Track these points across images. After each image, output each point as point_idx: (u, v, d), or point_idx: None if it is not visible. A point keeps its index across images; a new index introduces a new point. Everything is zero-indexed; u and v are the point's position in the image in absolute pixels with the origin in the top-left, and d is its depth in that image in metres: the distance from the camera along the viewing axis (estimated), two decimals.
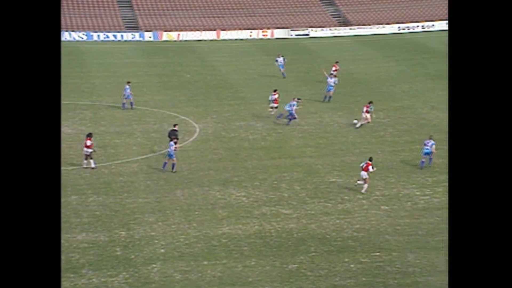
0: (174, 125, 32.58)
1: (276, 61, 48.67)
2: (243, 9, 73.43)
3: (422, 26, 71.80)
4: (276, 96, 38.47)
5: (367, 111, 35.56)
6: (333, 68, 46.80)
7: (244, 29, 69.43)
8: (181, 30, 68.13)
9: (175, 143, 29.72)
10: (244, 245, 22.60)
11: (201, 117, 38.57)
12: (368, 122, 35.79)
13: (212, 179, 28.84)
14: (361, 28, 71.87)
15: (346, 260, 21.38)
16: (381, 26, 72.01)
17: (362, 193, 26.73)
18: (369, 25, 72.32)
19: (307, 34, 69.96)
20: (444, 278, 19.88)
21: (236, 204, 26.11)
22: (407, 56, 57.55)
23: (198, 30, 68.49)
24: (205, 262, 21.36)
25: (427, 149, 29.67)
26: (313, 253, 21.95)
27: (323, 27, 71.53)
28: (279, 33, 69.09)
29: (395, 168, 29.79)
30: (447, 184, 27.22)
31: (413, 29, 71.55)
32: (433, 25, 71.71)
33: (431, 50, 60.00)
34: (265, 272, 20.79)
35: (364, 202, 26.06)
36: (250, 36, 68.53)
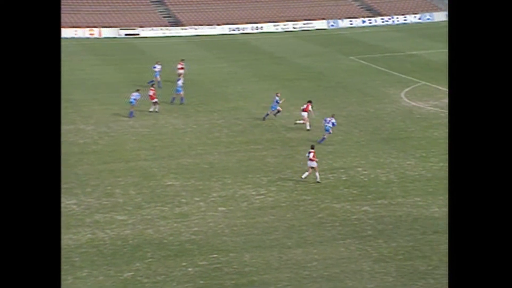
0: None
1: (154, 67, 46.56)
2: (66, 6, 70.55)
3: (252, 27, 74.16)
4: (152, 92, 38.63)
5: (306, 110, 35.59)
6: (179, 66, 46.64)
7: (69, 27, 66.84)
8: None
9: None
10: (75, 256, 21.71)
11: None
12: (303, 122, 35.73)
13: None
14: (192, 28, 72.53)
15: (184, 264, 21.38)
16: (212, 26, 73.22)
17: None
18: (200, 25, 73.21)
19: (137, 34, 69.11)
20: (278, 275, 20.65)
21: (66, 213, 25.00)
22: (239, 57, 59.03)
23: None
24: None
25: (328, 126, 33.09)
26: (150, 259, 21.67)
27: (154, 26, 71.11)
28: (107, 32, 67.49)
29: (231, 169, 30.38)
30: (280, 183, 28.47)
31: (243, 30, 73.65)
32: (261, 27, 74.38)
33: (262, 51, 62.12)
34: (98, 283, 20.14)
35: (202, 204, 26.27)
36: (76, 34, 66.17)
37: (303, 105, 36.16)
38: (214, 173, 29.72)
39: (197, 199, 26.79)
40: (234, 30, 73.49)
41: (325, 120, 33.49)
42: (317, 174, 28.16)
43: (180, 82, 41.98)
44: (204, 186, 28.14)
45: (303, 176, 28.19)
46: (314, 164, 28.08)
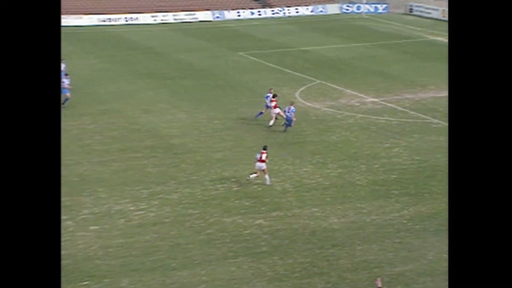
0: None
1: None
2: None
3: (125, 18, 73.27)
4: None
5: (276, 106, 36.95)
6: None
7: None
8: None
9: None
10: None
11: None
12: (277, 118, 37.17)
13: None
14: None
15: None
16: (78, 16, 71.61)
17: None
18: (64, 14, 71.34)
19: None
20: None
21: None
22: (111, 52, 58.22)
23: None
24: None
25: (289, 115, 36.16)
26: None
27: None
28: None
29: (106, 181, 29.83)
30: (163, 196, 28.25)
31: (116, 21, 72.60)
32: (137, 18, 73.69)
33: (137, 45, 61.58)
34: None
35: (70, 223, 25.57)
36: None
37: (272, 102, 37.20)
38: (85, 187, 29.04)
39: (64, 217, 26.03)
40: (104, 21, 72.29)
41: (285, 110, 36.18)
42: (266, 176, 28.90)
43: (67, 82, 40.51)
44: (72, 202, 27.43)
45: (248, 178, 28.96)
46: (264, 166, 28.72)
